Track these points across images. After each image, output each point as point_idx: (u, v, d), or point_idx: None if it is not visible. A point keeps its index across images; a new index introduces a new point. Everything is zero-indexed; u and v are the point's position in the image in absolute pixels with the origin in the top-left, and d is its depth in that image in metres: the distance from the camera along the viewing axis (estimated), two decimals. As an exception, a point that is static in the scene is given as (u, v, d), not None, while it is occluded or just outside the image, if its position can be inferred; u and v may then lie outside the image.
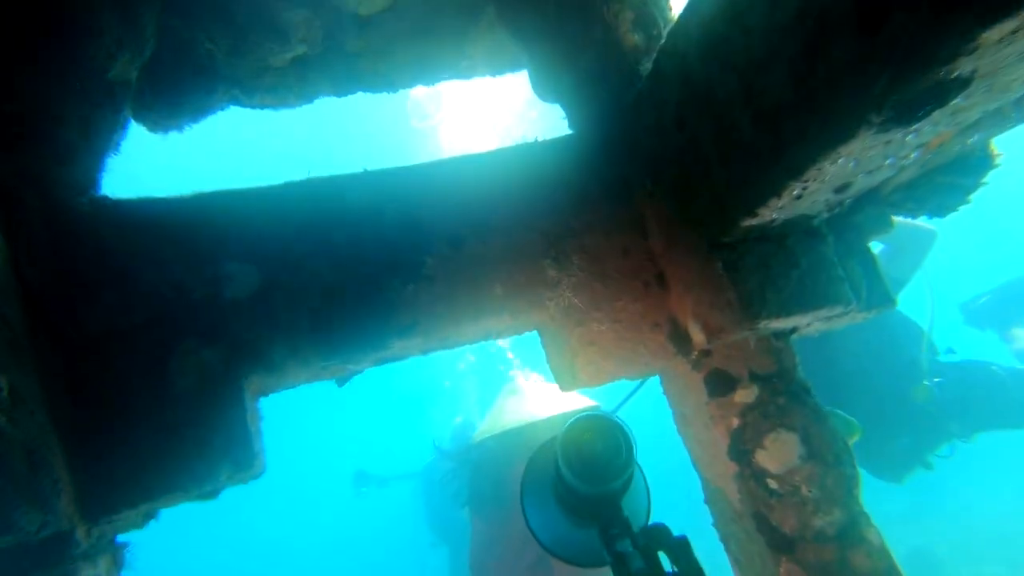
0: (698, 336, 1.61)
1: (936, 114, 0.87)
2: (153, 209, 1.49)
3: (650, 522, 1.02)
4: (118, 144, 1.52)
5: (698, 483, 1.94)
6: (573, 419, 0.93)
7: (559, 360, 1.89)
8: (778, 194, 1.11)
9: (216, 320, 1.53)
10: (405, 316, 1.77)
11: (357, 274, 1.75)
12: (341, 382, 2.15)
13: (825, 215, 1.29)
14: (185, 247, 1.51)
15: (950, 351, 4.28)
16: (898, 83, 0.78)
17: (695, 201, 1.44)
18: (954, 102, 0.80)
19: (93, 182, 1.47)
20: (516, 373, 2.93)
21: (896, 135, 0.93)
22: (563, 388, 1.96)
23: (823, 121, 0.96)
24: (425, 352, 1.98)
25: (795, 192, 1.09)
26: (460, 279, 1.81)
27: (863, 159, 1.02)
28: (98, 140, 1.45)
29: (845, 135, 0.93)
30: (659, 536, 0.83)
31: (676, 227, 1.60)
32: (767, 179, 1.10)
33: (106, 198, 1.46)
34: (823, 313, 1.33)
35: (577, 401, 2.61)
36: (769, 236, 1.35)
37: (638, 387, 2.18)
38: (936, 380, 3.66)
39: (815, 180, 1.04)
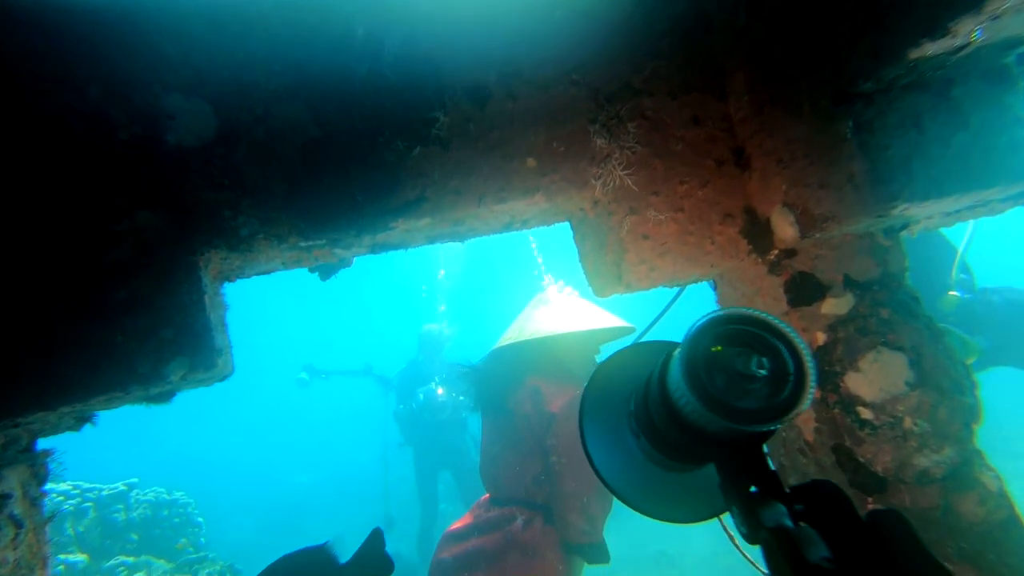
0: (786, 230, 1.26)
1: None
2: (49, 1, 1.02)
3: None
4: None
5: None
6: (709, 317, 0.58)
7: (600, 257, 1.54)
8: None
9: (157, 173, 1.13)
10: (410, 188, 1.38)
11: (348, 127, 1.33)
12: (325, 273, 1.80)
13: (1032, 48, 0.89)
14: (103, 64, 1.06)
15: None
16: None
17: (823, 31, 1.02)
18: None
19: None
20: (549, 284, 2.60)
21: None
22: (601, 292, 1.63)
23: None
24: (433, 239, 1.61)
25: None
26: (483, 145, 1.41)
27: None
28: None
29: None
30: (833, 504, 0.54)
31: (778, 78, 1.19)
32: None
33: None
34: (993, 194, 0.98)
35: (611, 321, 2.31)
36: (929, 82, 0.96)
37: (677, 296, 1.86)
38: (967, 296, 3.44)
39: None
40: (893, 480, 1.14)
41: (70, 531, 5.07)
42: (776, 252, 1.34)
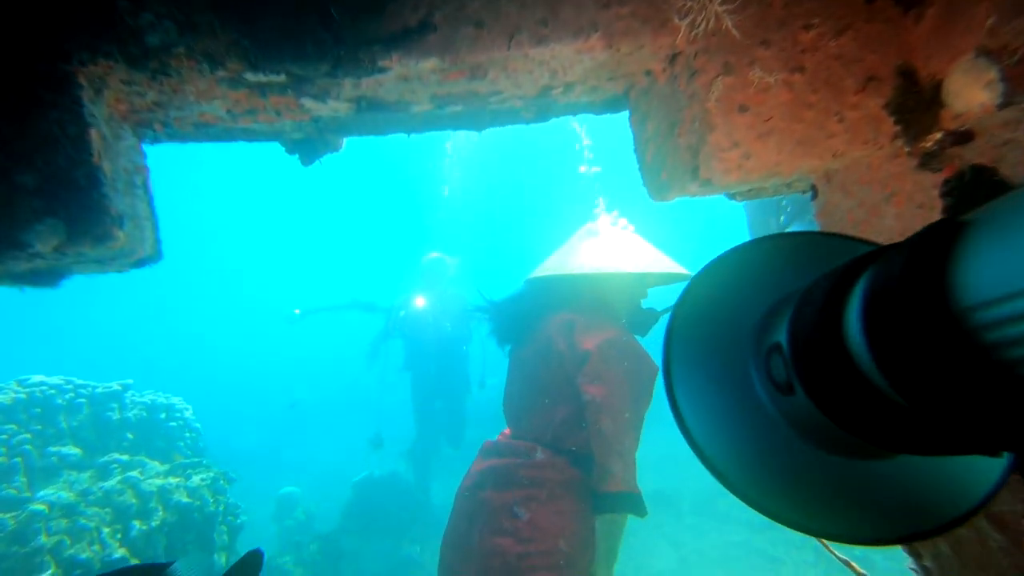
0: (973, 95, 0.83)
1: None
2: None
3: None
4: None
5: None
6: None
7: (670, 140, 1.12)
8: None
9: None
10: (410, 7, 0.95)
11: None
12: (307, 155, 1.41)
13: None
14: None
15: None
16: None
17: None
18: None
19: None
20: (602, 213, 2.26)
21: None
22: (662, 193, 1.22)
23: None
24: (441, 106, 1.19)
25: None
26: (519, -52, 0.95)
27: None
28: None
29: None
30: None
31: None
32: None
33: None
34: None
35: (666, 264, 1.96)
36: None
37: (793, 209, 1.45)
38: None
39: None
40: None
41: (63, 424, 5.00)
42: (939, 135, 0.91)
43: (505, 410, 2.11)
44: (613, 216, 2.26)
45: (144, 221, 0.92)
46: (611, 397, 1.78)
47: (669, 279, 2.07)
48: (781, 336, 0.43)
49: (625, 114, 1.35)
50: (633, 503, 1.76)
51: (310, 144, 1.37)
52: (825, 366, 0.38)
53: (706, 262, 0.56)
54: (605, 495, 1.76)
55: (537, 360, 1.97)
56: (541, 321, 2.01)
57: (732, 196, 1.32)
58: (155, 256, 0.98)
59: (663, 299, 2.17)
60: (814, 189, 1.20)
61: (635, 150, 1.32)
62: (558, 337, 1.91)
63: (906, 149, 0.95)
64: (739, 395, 0.49)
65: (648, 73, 1.15)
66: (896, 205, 1.00)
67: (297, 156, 1.40)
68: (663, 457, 5.82)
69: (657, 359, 2.09)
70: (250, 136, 1.29)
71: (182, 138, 1.16)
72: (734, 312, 0.51)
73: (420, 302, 5.90)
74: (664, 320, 2.10)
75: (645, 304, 2.09)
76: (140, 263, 0.95)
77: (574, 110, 1.35)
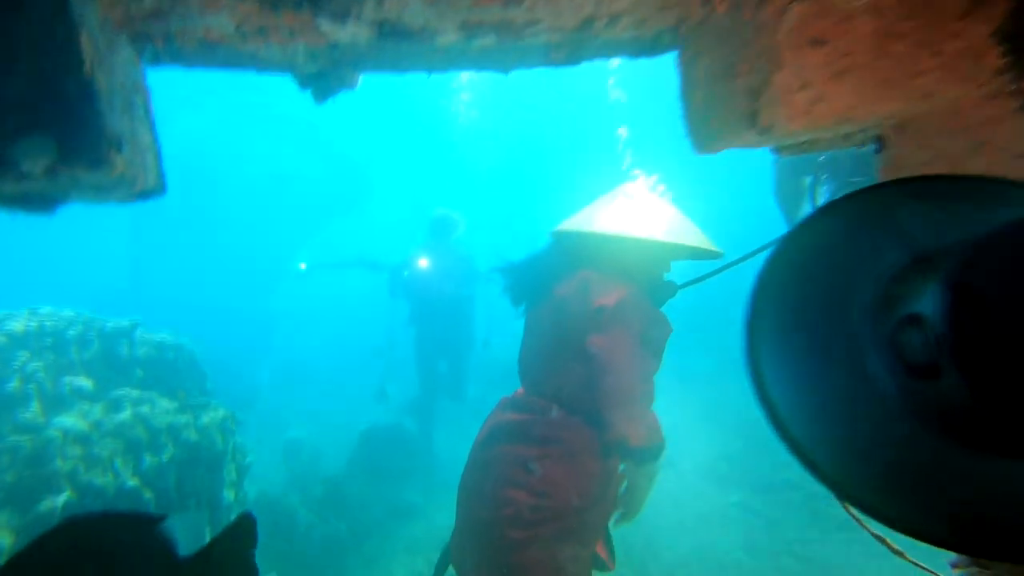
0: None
1: None
2: None
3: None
4: None
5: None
6: None
7: (726, 83, 1.00)
8: None
9: None
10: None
11: None
12: (320, 92, 1.31)
13: None
14: None
15: None
16: None
17: None
18: None
19: None
20: (639, 173, 2.13)
21: None
22: (710, 144, 1.11)
23: None
24: (471, 36, 1.08)
25: None
26: None
27: None
28: None
29: None
30: None
31: None
32: None
33: None
34: None
35: (696, 238, 1.86)
36: None
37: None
38: None
39: None
40: None
41: (75, 357, 5.07)
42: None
43: (520, 369, 2.08)
44: (652, 181, 2.14)
45: (146, 148, 0.84)
46: (615, 352, 1.75)
47: (698, 254, 1.98)
48: (925, 306, 0.35)
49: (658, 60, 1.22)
50: (633, 455, 1.76)
51: (324, 78, 1.26)
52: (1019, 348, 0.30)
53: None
54: (607, 444, 1.77)
55: (552, 319, 1.93)
56: (558, 280, 1.95)
57: (779, 150, 1.21)
58: (159, 188, 0.90)
59: (685, 274, 2.09)
60: (880, 141, 1.08)
61: (681, 94, 1.20)
62: (574, 296, 1.86)
63: (1011, 87, 0.83)
64: (839, 371, 0.41)
65: (706, 3, 1.02)
66: (987, 155, 0.89)
67: (310, 91, 1.29)
68: (669, 424, 5.82)
69: (673, 323, 2.03)
70: (260, 65, 1.17)
71: (186, 60, 1.05)
72: (838, 277, 0.43)
73: (424, 263, 5.82)
74: (675, 303, 2.02)
75: (667, 276, 2.02)
76: (143, 195, 0.87)
77: (610, 50, 1.22)
